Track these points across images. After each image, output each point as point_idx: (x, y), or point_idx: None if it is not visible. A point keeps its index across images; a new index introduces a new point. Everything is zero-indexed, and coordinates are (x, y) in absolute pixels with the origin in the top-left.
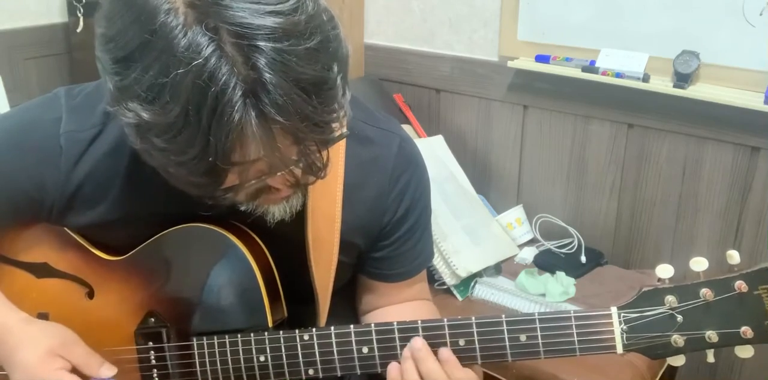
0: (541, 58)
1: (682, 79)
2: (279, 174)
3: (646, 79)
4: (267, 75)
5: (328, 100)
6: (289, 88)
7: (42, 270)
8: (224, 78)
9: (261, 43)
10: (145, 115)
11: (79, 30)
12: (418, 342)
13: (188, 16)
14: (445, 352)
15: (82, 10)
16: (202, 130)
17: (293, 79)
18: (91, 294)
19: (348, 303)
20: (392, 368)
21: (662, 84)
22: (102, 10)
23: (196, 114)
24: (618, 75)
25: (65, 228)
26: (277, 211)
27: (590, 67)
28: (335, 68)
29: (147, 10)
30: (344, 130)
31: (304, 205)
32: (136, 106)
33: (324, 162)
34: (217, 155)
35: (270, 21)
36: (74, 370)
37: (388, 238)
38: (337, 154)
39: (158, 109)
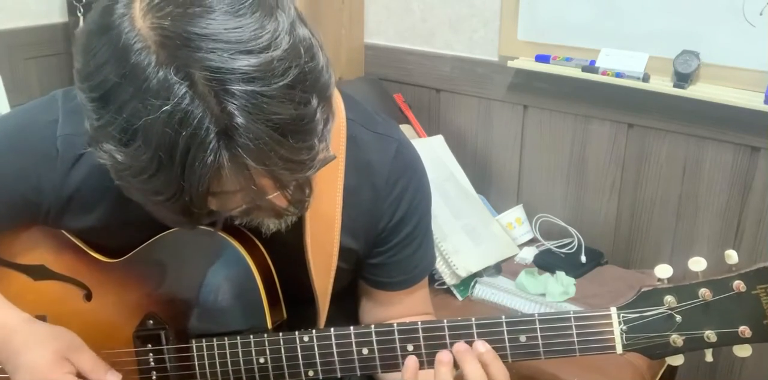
0: (541, 58)
1: (682, 79)
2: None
3: (646, 78)
4: (239, 119)
5: (306, 136)
6: (262, 132)
7: (39, 273)
8: (195, 122)
9: (233, 87)
10: (118, 157)
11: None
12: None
13: (160, 56)
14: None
15: (82, 10)
16: (176, 174)
17: (266, 121)
18: (88, 297)
19: (347, 307)
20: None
21: (662, 84)
22: (78, 43)
23: (168, 158)
24: (618, 75)
25: (62, 231)
26: (272, 224)
27: (590, 67)
28: (314, 101)
29: (119, 49)
30: (329, 153)
31: None
32: (111, 148)
33: (306, 195)
34: (191, 197)
35: (242, 63)
36: (79, 375)
37: (385, 245)
38: (337, 158)
39: (132, 152)
